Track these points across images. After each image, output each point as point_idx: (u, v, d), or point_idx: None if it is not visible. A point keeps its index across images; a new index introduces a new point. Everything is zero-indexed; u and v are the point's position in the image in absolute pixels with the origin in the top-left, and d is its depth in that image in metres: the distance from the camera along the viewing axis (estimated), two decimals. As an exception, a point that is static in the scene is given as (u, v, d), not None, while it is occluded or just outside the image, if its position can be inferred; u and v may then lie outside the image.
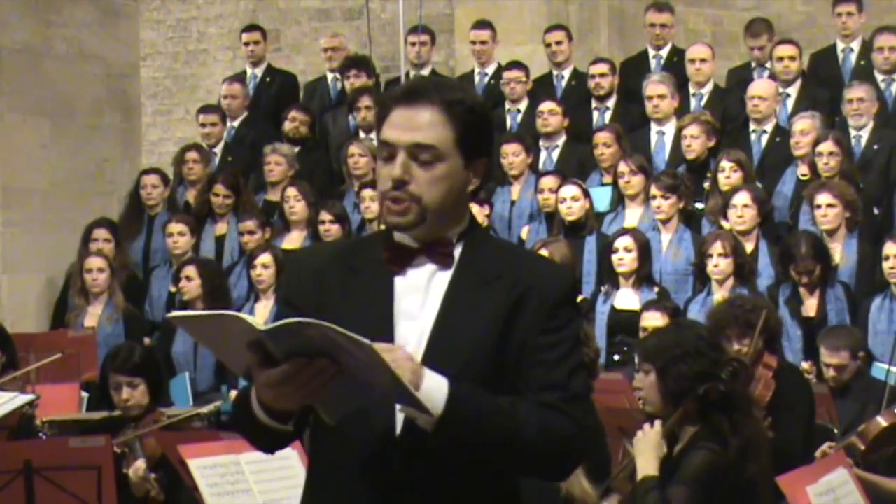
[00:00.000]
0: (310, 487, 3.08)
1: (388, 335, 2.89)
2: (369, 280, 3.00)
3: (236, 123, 11.19)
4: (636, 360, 5.03)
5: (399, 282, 2.99)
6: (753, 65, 10.62)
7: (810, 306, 8.00)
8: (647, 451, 4.71)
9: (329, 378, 2.77)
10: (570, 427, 2.92)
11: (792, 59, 10.02)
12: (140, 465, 5.75)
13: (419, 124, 2.95)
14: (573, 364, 2.97)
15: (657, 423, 4.77)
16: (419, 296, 2.98)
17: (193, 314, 2.86)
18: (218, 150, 11.00)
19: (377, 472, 2.92)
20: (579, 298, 8.50)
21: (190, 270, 8.97)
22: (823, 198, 8.34)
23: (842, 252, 8.31)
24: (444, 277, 2.99)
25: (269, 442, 3.03)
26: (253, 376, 2.83)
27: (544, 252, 8.36)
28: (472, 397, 2.83)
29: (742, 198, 8.50)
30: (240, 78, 11.61)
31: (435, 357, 2.91)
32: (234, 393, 7.00)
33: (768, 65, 10.44)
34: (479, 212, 9.03)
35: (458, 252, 3.01)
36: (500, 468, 2.94)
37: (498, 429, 2.86)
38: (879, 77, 9.94)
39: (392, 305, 2.97)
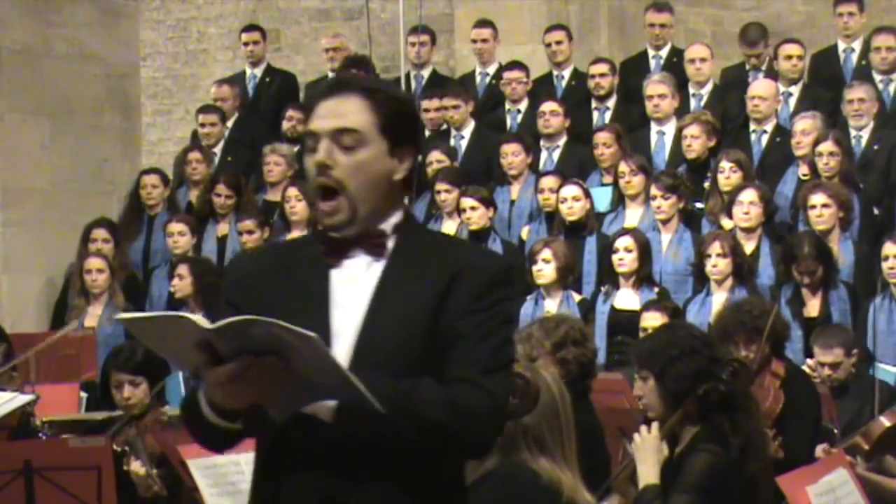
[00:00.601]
0: (256, 475, 3.11)
1: (324, 326, 2.93)
2: (306, 274, 3.05)
3: (229, 124, 11.18)
4: (635, 367, 5.00)
5: (335, 274, 3.04)
6: (748, 67, 10.60)
7: (812, 307, 7.99)
8: (646, 458, 4.69)
9: (276, 375, 2.81)
10: (482, 399, 2.94)
11: (800, 58, 10.02)
12: (136, 467, 5.75)
13: (342, 112, 3.02)
14: (498, 341, 3.00)
15: (654, 425, 4.75)
16: (354, 286, 3.03)
17: (141, 316, 2.90)
18: (218, 150, 11.00)
19: (315, 458, 2.96)
20: (579, 298, 8.51)
21: (182, 269, 9.01)
22: (818, 198, 8.33)
23: (839, 252, 8.31)
24: (379, 268, 3.04)
25: (219, 441, 3.07)
26: (201, 376, 2.87)
27: (547, 252, 8.38)
28: (368, 383, 2.85)
29: (748, 195, 8.49)
30: (229, 80, 11.59)
31: (367, 344, 2.96)
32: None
33: (764, 67, 10.43)
34: (483, 213, 9.03)
35: (392, 243, 3.06)
36: (421, 449, 2.95)
37: (399, 410, 2.88)
38: (878, 77, 9.93)
39: (328, 297, 3.02)
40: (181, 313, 2.84)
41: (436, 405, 2.90)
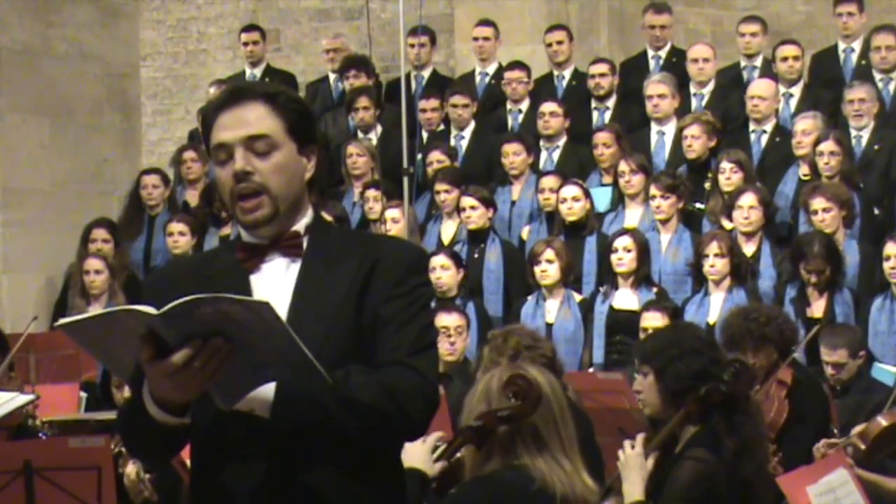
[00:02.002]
0: (193, 473, 3.15)
1: None
2: (226, 282, 3.08)
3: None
4: (636, 362, 5.03)
5: (254, 279, 3.12)
6: (743, 63, 10.58)
7: (818, 307, 7.98)
8: (630, 475, 4.70)
9: (224, 358, 2.84)
10: (412, 379, 3.02)
11: (796, 58, 10.00)
12: (130, 471, 5.75)
13: (249, 120, 3.09)
14: (421, 324, 3.09)
15: (638, 440, 4.74)
16: (275, 288, 3.09)
17: (83, 317, 2.86)
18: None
19: (253, 449, 3.00)
20: (579, 298, 8.50)
21: None
22: (818, 202, 8.31)
23: (844, 253, 8.31)
24: (297, 267, 3.12)
25: (162, 446, 3.07)
26: (146, 371, 2.87)
27: (550, 252, 8.38)
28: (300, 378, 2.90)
29: (748, 199, 8.47)
30: (226, 81, 11.58)
31: None
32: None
33: (757, 62, 10.42)
34: (483, 213, 9.02)
35: (306, 242, 3.14)
36: (358, 437, 2.99)
37: (333, 399, 2.95)
38: (878, 76, 9.93)
39: None
40: (127, 306, 2.83)
41: (369, 389, 2.97)
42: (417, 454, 3.85)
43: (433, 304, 7.42)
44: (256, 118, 3.09)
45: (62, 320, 2.88)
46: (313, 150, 3.17)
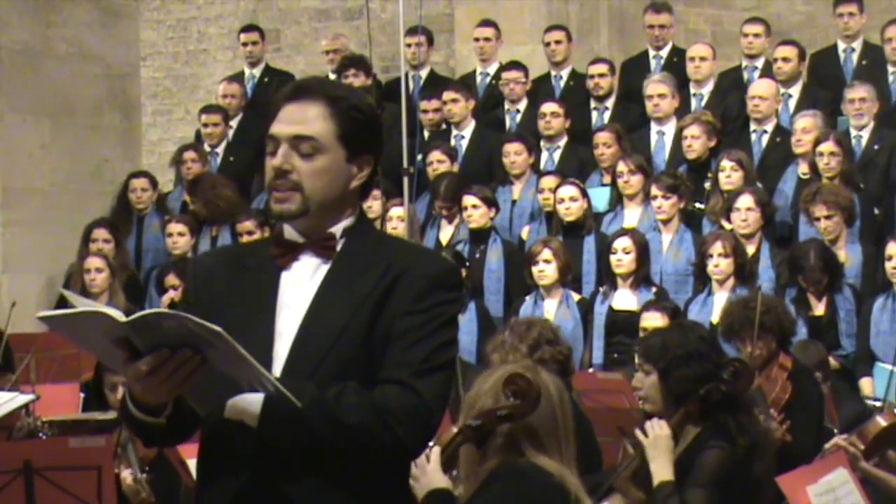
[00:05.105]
0: (198, 476, 3.16)
1: (268, 327, 3.00)
2: (257, 276, 3.10)
3: (234, 123, 11.18)
4: (637, 359, 5.02)
5: (284, 276, 3.10)
6: (745, 63, 10.57)
7: (818, 308, 8.01)
8: (659, 455, 4.68)
9: (192, 369, 2.84)
10: (409, 402, 2.96)
11: (786, 59, 9.99)
12: (126, 476, 5.75)
13: (302, 118, 3.07)
14: (434, 344, 3.02)
15: (664, 422, 4.74)
16: (301, 288, 3.07)
17: (61, 313, 2.88)
18: (220, 149, 10.99)
19: (251, 457, 2.99)
20: (578, 298, 8.50)
21: (172, 279, 8.99)
22: (820, 210, 8.31)
23: (846, 254, 8.31)
24: (325, 270, 3.09)
25: (153, 436, 3.08)
26: (122, 372, 2.91)
27: (547, 252, 8.37)
28: (292, 391, 2.88)
29: (745, 201, 8.47)
30: (237, 78, 11.60)
31: (303, 345, 3.01)
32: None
33: (759, 63, 10.41)
34: (484, 212, 9.01)
35: (340, 245, 3.10)
36: (344, 454, 2.97)
37: (320, 416, 2.92)
38: (890, 69, 9.94)
39: (276, 299, 3.06)
40: (99, 308, 2.85)
41: (360, 409, 2.94)
42: (437, 474, 3.82)
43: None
44: (310, 118, 3.06)
45: (42, 313, 2.91)
46: (368, 160, 3.12)
